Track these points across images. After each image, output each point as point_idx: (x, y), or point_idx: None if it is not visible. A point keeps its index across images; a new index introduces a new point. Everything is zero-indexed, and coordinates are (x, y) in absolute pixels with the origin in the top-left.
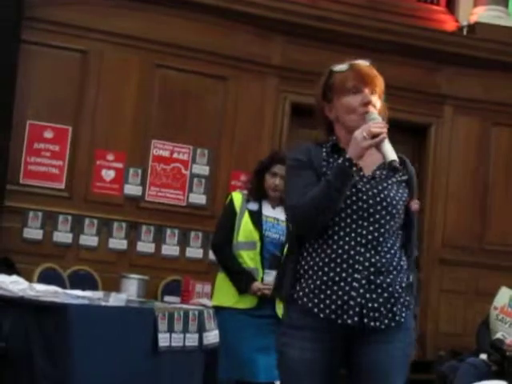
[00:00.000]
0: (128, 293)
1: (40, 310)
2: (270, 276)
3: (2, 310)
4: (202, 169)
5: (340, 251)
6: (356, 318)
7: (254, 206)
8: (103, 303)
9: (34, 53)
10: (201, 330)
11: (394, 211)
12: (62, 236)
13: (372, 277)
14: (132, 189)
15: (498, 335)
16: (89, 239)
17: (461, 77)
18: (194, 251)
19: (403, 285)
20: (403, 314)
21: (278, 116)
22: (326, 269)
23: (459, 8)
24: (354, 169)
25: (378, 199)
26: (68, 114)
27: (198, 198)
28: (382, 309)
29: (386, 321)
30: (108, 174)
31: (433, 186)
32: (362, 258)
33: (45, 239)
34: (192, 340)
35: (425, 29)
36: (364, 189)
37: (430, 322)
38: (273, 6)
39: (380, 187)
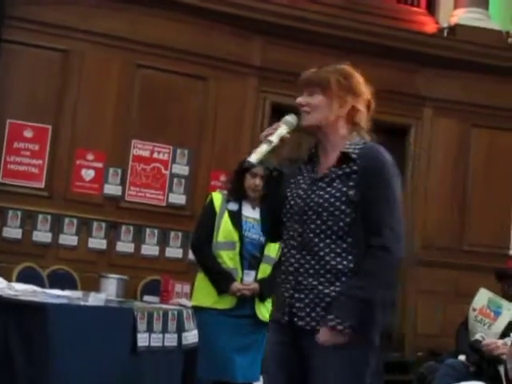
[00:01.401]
0: (107, 292)
1: (19, 309)
2: (250, 276)
3: None
4: (182, 169)
5: (283, 254)
6: (286, 318)
7: (233, 207)
8: (82, 303)
9: (14, 52)
10: (180, 330)
11: (325, 212)
12: (42, 235)
13: (300, 278)
14: (112, 188)
15: (477, 336)
16: (68, 239)
17: (440, 78)
18: (174, 251)
19: (337, 289)
20: (316, 315)
21: (258, 116)
22: (279, 270)
23: (439, 10)
24: (276, 172)
25: (308, 201)
26: (48, 113)
27: (178, 197)
28: (308, 310)
29: (313, 323)
30: (88, 174)
31: (413, 187)
32: (293, 260)
33: (24, 238)
34: (171, 340)
35: (405, 30)
36: (301, 192)
37: (409, 322)
38: (253, 6)
39: (315, 187)
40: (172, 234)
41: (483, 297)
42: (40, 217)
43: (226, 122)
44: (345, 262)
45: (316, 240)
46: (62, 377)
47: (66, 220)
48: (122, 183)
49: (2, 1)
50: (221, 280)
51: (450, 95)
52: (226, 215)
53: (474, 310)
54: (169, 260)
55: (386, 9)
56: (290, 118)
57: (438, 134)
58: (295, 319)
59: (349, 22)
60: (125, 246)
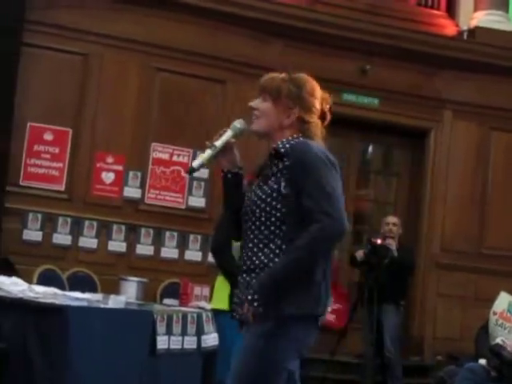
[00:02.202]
0: (127, 295)
1: (39, 312)
2: None
3: (1, 312)
4: (202, 172)
5: None
6: (235, 313)
7: None
8: (102, 305)
9: (35, 55)
10: (199, 332)
11: (257, 210)
12: (62, 238)
13: (244, 275)
14: (131, 191)
15: (498, 340)
16: (88, 241)
17: (460, 81)
18: (193, 254)
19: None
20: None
21: None
22: None
23: (459, 12)
24: (230, 176)
25: (248, 201)
26: (68, 116)
27: (198, 200)
28: (241, 303)
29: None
30: (108, 177)
31: (432, 190)
32: (243, 258)
33: (44, 241)
34: (190, 343)
35: (425, 33)
36: (249, 194)
37: (428, 326)
38: (272, 9)
39: (255, 188)
40: (191, 236)
41: (504, 301)
42: (60, 219)
43: None
44: (276, 259)
45: (252, 237)
46: (81, 378)
47: (86, 223)
48: (142, 186)
49: (22, 5)
50: None
51: (470, 98)
52: None
53: (495, 313)
54: (188, 263)
55: (406, 11)
56: (237, 124)
57: (457, 136)
58: (234, 313)
59: (369, 25)
60: (144, 248)
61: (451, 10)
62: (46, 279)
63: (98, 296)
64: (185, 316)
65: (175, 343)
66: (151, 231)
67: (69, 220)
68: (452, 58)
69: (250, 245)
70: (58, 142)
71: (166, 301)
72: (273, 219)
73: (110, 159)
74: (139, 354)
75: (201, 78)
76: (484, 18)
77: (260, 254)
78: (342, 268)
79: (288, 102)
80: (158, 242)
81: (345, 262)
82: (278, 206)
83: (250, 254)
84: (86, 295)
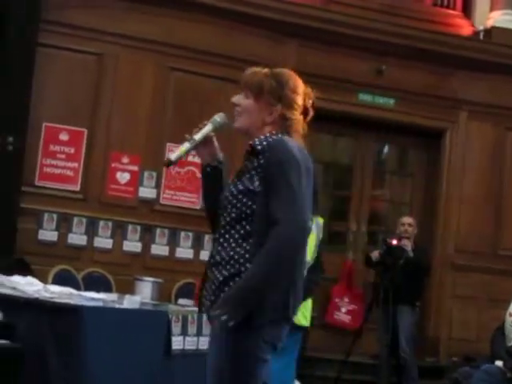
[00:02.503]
0: (142, 295)
1: (54, 312)
2: None
3: (17, 311)
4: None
5: None
6: (201, 306)
7: None
8: (117, 305)
9: (50, 55)
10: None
11: (229, 205)
12: (77, 238)
13: (209, 269)
14: (147, 191)
15: None
16: (103, 241)
17: (476, 81)
18: (208, 254)
19: (225, 273)
20: (212, 303)
21: None
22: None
23: (475, 12)
24: (209, 169)
25: (223, 197)
26: (83, 116)
27: None
28: (208, 298)
29: (206, 310)
30: (123, 177)
31: (447, 190)
32: (212, 252)
33: (59, 241)
34: (206, 343)
35: (441, 33)
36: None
37: (444, 327)
38: (287, 9)
39: (230, 183)
40: (206, 237)
41: None
42: (75, 220)
43: None
44: (242, 252)
45: (223, 232)
46: (96, 379)
47: (101, 223)
48: (157, 186)
49: (37, 5)
50: None
51: (485, 98)
52: None
53: (511, 315)
54: (203, 263)
55: (422, 12)
56: (218, 118)
57: (472, 136)
58: (202, 308)
59: (385, 25)
60: (159, 248)
61: (467, 10)
62: (61, 279)
63: (113, 296)
64: (200, 316)
65: (190, 344)
66: (166, 231)
67: (84, 220)
68: (468, 58)
69: (221, 239)
70: (74, 142)
71: (181, 301)
72: (243, 216)
73: (125, 159)
74: (154, 354)
75: (215, 77)
76: (500, 18)
77: (227, 248)
78: (357, 268)
79: (270, 99)
80: (173, 242)
81: (360, 262)
82: (249, 203)
83: (218, 247)
84: (101, 295)
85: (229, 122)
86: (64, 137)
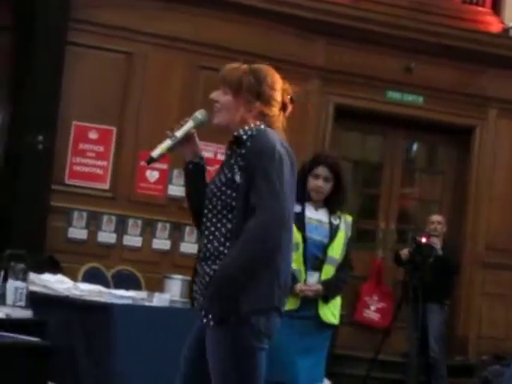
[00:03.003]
0: (171, 293)
1: (84, 310)
2: (313, 277)
3: (47, 309)
4: None
5: None
6: (193, 301)
7: (296, 208)
8: (147, 303)
9: (79, 54)
10: None
11: (214, 198)
12: (106, 236)
13: (202, 262)
14: (176, 189)
15: None
16: (132, 239)
17: (505, 79)
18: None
19: (215, 267)
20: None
21: (321, 117)
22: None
23: (505, 9)
24: (191, 166)
25: (207, 189)
26: (113, 115)
27: None
28: (199, 292)
29: (198, 303)
30: (152, 175)
31: (476, 188)
32: (200, 246)
33: (89, 239)
34: None
35: (470, 30)
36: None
37: (473, 325)
38: (316, 7)
39: (214, 176)
40: None
41: None
42: (105, 218)
43: (288, 123)
44: (228, 244)
45: (208, 224)
46: (126, 376)
47: (131, 221)
48: None
49: (67, 4)
50: None
51: None
52: None
53: None
54: None
55: (451, 9)
56: (199, 115)
57: (502, 134)
58: (195, 304)
59: (413, 23)
60: (188, 246)
61: (496, 7)
62: (91, 277)
63: (142, 294)
64: None
65: None
66: (195, 229)
67: (113, 218)
68: (497, 56)
69: (206, 232)
70: (103, 140)
71: None
72: (228, 208)
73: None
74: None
75: None
76: None
77: (215, 242)
78: (387, 266)
79: (248, 96)
80: None
81: (389, 260)
82: (234, 195)
83: (205, 241)
84: (131, 293)
85: (210, 119)
86: (93, 135)
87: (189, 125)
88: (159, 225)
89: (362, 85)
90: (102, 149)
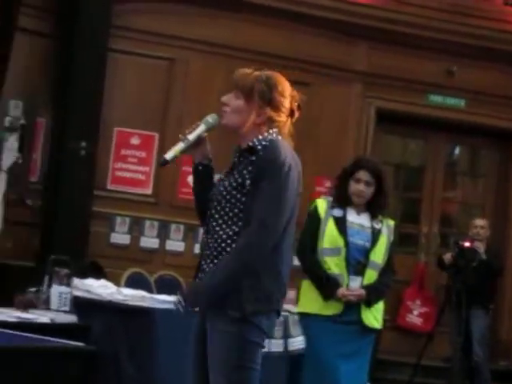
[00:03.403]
0: None
1: (128, 314)
2: (356, 282)
3: (90, 314)
4: None
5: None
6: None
7: (338, 213)
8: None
9: (120, 61)
10: (286, 335)
11: (223, 200)
12: (149, 241)
13: (203, 261)
14: None
15: None
16: (175, 244)
17: None
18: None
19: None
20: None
21: (362, 121)
22: None
23: None
24: (201, 167)
25: (216, 190)
26: (154, 120)
27: None
28: None
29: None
30: None
31: None
32: (206, 246)
33: (132, 244)
34: (277, 346)
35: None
36: (217, 183)
37: None
38: (356, 11)
39: (224, 178)
40: None
41: None
42: (147, 223)
43: (330, 127)
44: (233, 245)
45: (214, 224)
46: (168, 381)
47: (173, 226)
48: None
49: (108, 11)
50: (326, 286)
51: None
52: (330, 221)
53: None
54: None
55: (493, 11)
56: (210, 119)
57: None
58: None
59: (454, 26)
60: None
61: None
62: (134, 282)
63: None
64: (285, 318)
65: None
66: None
67: (156, 223)
68: None
69: (213, 232)
70: (145, 146)
71: None
72: (235, 210)
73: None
74: None
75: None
76: None
77: (222, 243)
78: (430, 271)
79: (260, 103)
80: None
81: (432, 264)
82: (243, 199)
83: (211, 241)
84: (173, 298)
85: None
86: (135, 141)
87: (201, 128)
88: (201, 230)
89: (404, 88)
90: (144, 154)
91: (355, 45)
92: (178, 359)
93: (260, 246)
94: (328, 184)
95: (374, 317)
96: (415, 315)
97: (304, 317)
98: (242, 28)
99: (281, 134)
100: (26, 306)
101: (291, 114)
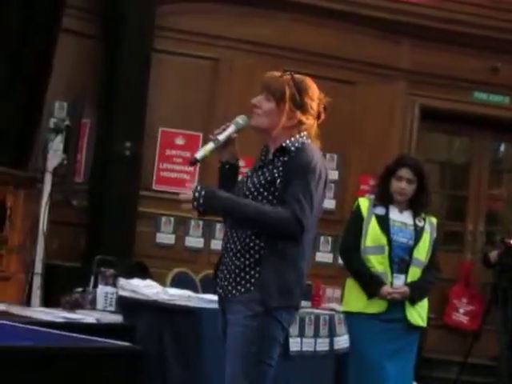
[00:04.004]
0: None
1: (173, 314)
2: (400, 280)
3: (137, 313)
4: (331, 173)
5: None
6: (218, 288)
7: (381, 211)
8: None
9: (165, 61)
10: (332, 334)
11: (251, 196)
12: (194, 241)
13: (226, 254)
14: None
15: None
16: (219, 244)
17: None
18: (324, 256)
19: (246, 262)
20: (233, 289)
21: (407, 120)
22: None
23: None
24: (227, 166)
25: (243, 187)
26: (199, 120)
27: (328, 202)
28: (226, 282)
29: (227, 291)
30: None
31: None
32: (226, 238)
33: (177, 244)
34: (323, 345)
35: None
36: (244, 179)
37: None
38: (400, 9)
39: (252, 175)
40: (322, 238)
41: None
42: (192, 223)
43: (374, 126)
44: (257, 241)
45: None
46: (215, 380)
47: (218, 225)
48: None
49: (152, 12)
50: (370, 284)
51: None
52: (373, 220)
53: None
54: (319, 265)
55: None
56: (240, 120)
57: None
58: (218, 289)
59: (498, 22)
60: None
61: None
62: (179, 282)
63: None
64: (317, 318)
65: (308, 345)
66: None
67: (200, 223)
68: None
69: (240, 230)
70: (189, 146)
71: None
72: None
73: (240, 163)
74: None
75: (330, 79)
76: None
77: (248, 240)
78: (476, 268)
79: (290, 106)
80: None
81: (478, 262)
82: (270, 197)
83: (235, 235)
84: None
85: (249, 124)
86: (180, 141)
87: (230, 129)
88: None
89: (448, 86)
90: (188, 154)
91: (399, 43)
92: (224, 358)
93: (281, 227)
94: (372, 182)
95: (418, 314)
96: (461, 313)
97: (348, 315)
98: (287, 27)
99: (309, 137)
100: (73, 307)
101: (318, 116)
